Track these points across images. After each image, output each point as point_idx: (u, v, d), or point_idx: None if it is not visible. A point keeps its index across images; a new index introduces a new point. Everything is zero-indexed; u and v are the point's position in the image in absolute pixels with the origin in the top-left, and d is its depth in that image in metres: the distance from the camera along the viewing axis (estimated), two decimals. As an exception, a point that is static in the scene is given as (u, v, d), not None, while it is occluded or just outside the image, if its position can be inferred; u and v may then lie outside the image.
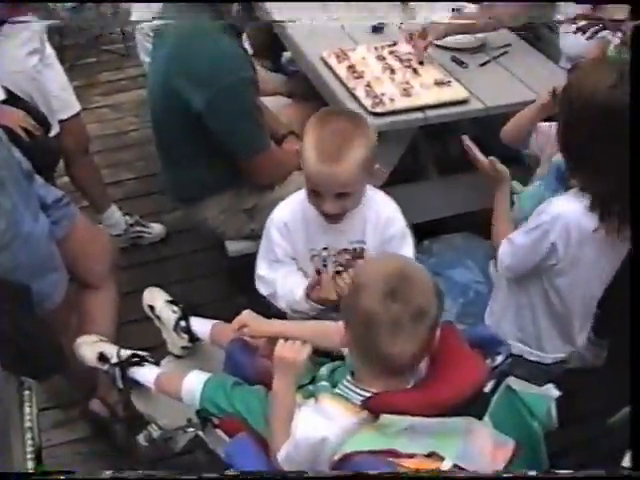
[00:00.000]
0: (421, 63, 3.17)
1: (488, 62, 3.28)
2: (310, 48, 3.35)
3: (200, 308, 2.69)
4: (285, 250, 2.35)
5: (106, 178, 3.94)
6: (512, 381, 1.88)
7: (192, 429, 2.35)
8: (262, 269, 2.39)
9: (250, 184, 2.81)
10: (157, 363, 2.52)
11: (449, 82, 3.03)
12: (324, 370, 2.01)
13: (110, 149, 4.52)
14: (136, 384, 2.47)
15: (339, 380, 1.86)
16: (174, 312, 2.57)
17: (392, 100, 2.88)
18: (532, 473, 1.73)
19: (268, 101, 3.12)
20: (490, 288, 3.02)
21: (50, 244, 2.44)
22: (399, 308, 1.61)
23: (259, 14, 3.79)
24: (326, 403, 1.78)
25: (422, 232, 3.18)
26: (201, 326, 2.54)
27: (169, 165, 2.96)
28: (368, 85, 2.97)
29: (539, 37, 3.90)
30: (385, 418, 1.62)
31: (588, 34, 2.78)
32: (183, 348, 2.57)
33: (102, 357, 2.51)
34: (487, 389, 1.83)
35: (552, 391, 1.93)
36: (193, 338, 2.55)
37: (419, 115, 2.89)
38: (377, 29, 3.51)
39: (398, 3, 3.65)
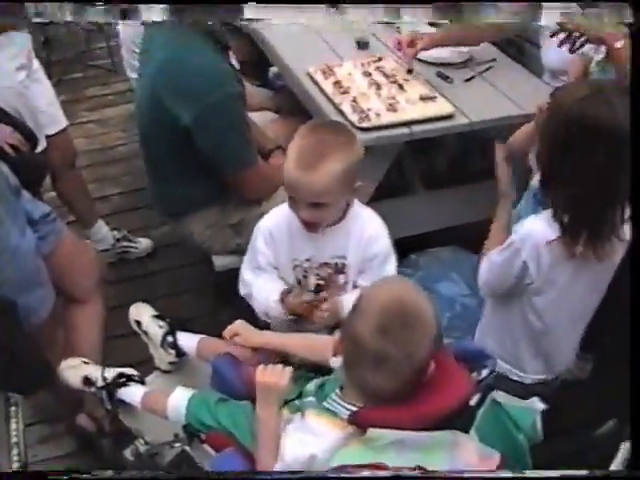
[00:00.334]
0: (409, 72, 3.20)
1: (473, 77, 3.30)
2: (296, 64, 3.36)
3: (187, 323, 2.69)
4: (268, 258, 2.38)
5: (93, 193, 3.95)
6: (497, 394, 1.88)
7: (179, 444, 2.35)
8: (246, 273, 2.44)
9: (237, 199, 2.82)
10: (143, 381, 2.52)
11: (434, 97, 3.04)
12: (311, 385, 2.02)
13: (97, 164, 4.53)
14: (123, 403, 2.47)
15: (328, 393, 1.86)
16: (161, 327, 2.58)
17: (378, 115, 2.90)
18: (531, 473, 1.74)
19: (255, 116, 3.14)
20: (478, 301, 3.04)
21: (37, 259, 2.44)
22: (388, 346, 1.61)
23: (245, 30, 3.83)
24: (312, 419, 1.78)
25: (408, 246, 3.21)
26: (188, 341, 2.54)
27: (156, 180, 2.96)
28: (354, 100, 2.98)
29: (522, 52, 3.94)
30: (372, 432, 1.63)
31: (569, 46, 2.80)
32: (170, 363, 2.57)
33: (87, 380, 2.50)
34: (473, 402, 1.84)
35: (537, 404, 1.93)
36: (180, 353, 2.55)
37: (405, 130, 2.90)
38: (362, 45, 3.54)
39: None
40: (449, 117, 2.97)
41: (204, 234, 2.89)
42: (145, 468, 2.52)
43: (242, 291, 2.47)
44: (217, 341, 2.33)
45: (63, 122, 3.49)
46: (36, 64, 3.38)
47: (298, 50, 3.51)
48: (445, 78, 3.26)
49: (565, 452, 2.03)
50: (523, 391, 2.35)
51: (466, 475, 1.65)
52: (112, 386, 2.45)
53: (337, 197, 2.19)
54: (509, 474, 1.69)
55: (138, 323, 2.65)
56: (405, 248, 3.10)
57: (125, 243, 3.81)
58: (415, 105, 2.99)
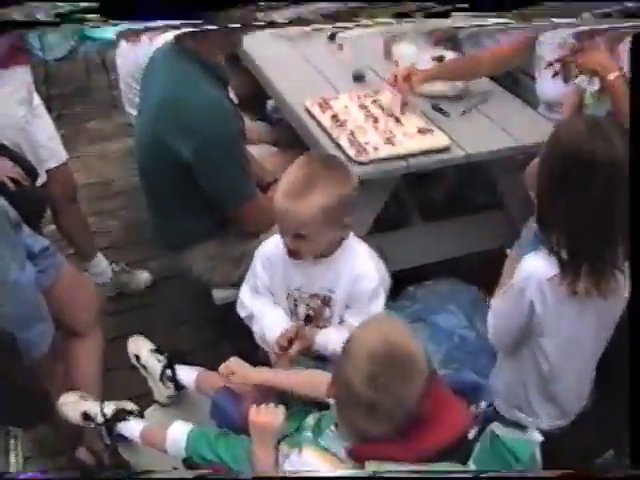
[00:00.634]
0: (405, 105, 3.22)
1: (469, 110, 3.33)
2: (293, 97, 3.40)
3: (186, 356, 2.70)
4: (264, 283, 2.43)
5: (92, 226, 3.95)
6: (496, 426, 1.88)
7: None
8: (244, 294, 2.50)
9: (237, 232, 2.83)
10: (142, 414, 2.52)
11: (431, 130, 3.07)
12: (310, 419, 2.02)
13: (96, 197, 4.54)
14: (123, 438, 2.47)
15: (324, 428, 1.87)
16: (159, 361, 2.59)
17: (376, 149, 2.92)
18: (530, 474, 1.74)
19: (253, 149, 3.16)
20: (476, 333, 3.04)
21: (36, 293, 2.45)
22: (378, 395, 1.63)
23: (246, 64, 3.87)
24: (309, 456, 1.79)
25: (406, 278, 3.22)
26: (187, 374, 2.55)
27: (157, 213, 2.98)
28: (352, 134, 3.00)
29: (517, 82, 3.98)
30: (371, 465, 1.63)
31: (563, 76, 2.83)
32: (169, 397, 2.58)
33: (86, 416, 2.51)
34: (471, 435, 1.84)
35: (535, 436, 1.93)
36: (179, 387, 2.56)
37: (402, 163, 2.93)
38: (359, 78, 3.57)
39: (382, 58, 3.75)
40: (446, 150, 2.99)
41: (204, 267, 2.90)
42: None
43: (241, 313, 2.50)
44: (216, 375, 2.33)
45: (63, 156, 3.51)
46: (37, 99, 3.41)
47: (295, 83, 3.54)
48: (441, 111, 3.29)
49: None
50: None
51: (467, 475, 1.65)
52: (111, 422, 2.46)
53: (321, 230, 2.19)
54: (509, 474, 1.70)
55: (137, 357, 2.66)
56: (402, 280, 3.11)
57: (124, 276, 3.81)
58: (412, 138, 3.01)
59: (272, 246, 2.40)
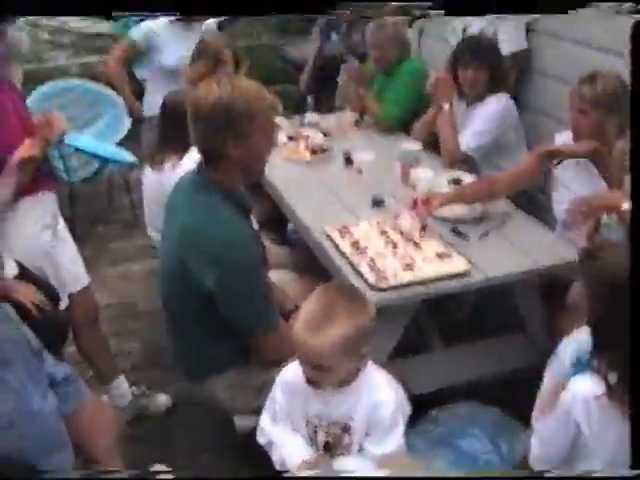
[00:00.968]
0: (423, 229, 3.27)
1: (488, 233, 3.37)
2: (313, 222, 3.46)
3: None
4: (284, 410, 2.44)
5: (113, 347, 3.95)
6: None
7: None
8: (264, 421, 2.51)
9: (258, 360, 2.83)
10: None
11: (450, 255, 3.10)
12: None
13: (118, 318, 4.56)
14: None
15: None
16: None
17: (395, 275, 2.95)
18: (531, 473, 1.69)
19: (274, 274, 3.17)
20: (500, 457, 2.99)
21: (58, 422, 2.44)
22: None
23: (266, 189, 3.95)
24: None
25: (428, 402, 3.19)
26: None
27: (177, 338, 2.98)
28: (372, 260, 3.04)
29: (534, 202, 4.05)
30: None
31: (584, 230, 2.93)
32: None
33: None
34: None
35: None
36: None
37: (422, 289, 2.95)
38: (378, 203, 3.63)
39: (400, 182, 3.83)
40: (465, 274, 3.02)
41: (225, 395, 2.88)
42: None
43: (261, 440, 2.51)
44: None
45: (86, 279, 3.55)
46: (61, 223, 3.47)
47: (315, 208, 3.62)
48: (460, 234, 3.33)
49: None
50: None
51: (467, 475, 1.61)
52: None
53: (340, 361, 2.22)
54: (509, 474, 1.65)
55: (157, 486, 2.62)
56: (424, 403, 3.09)
57: (144, 399, 3.79)
58: (431, 263, 3.04)
59: (292, 373, 2.42)
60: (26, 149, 3.08)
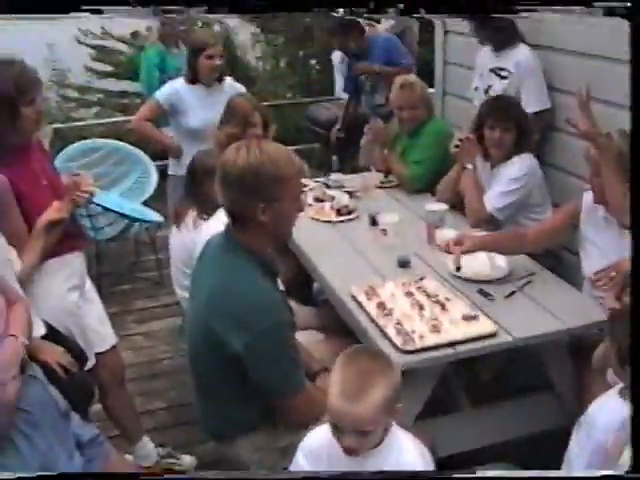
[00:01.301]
0: (458, 269, 3.37)
1: (513, 293, 3.36)
2: (339, 283, 3.48)
3: None
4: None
5: (138, 407, 3.96)
6: None
7: None
8: None
9: (285, 422, 2.82)
10: None
11: (477, 316, 3.10)
12: None
13: (143, 377, 4.57)
14: None
15: None
16: None
17: (422, 337, 2.95)
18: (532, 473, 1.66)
19: (300, 336, 3.18)
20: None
21: (83, 483, 2.45)
22: None
23: (292, 249, 3.96)
24: None
25: (455, 464, 3.15)
26: None
27: (203, 398, 2.98)
28: (398, 323, 3.04)
29: (560, 261, 4.04)
30: None
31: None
32: None
33: None
34: None
35: None
36: None
37: (449, 351, 2.95)
38: (404, 264, 3.64)
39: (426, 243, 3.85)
40: (492, 336, 3.01)
41: (251, 457, 2.86)
42: None
43: None
44: None
45: (113, 339, 3.57)
46: (88, 283, 3.51)
47: (341, 269, 3.64)
48: (486, 295, 3.33)
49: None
50: None
51: (468, 475, 1.59)
52: None
53: (382, 422, 2.24)
54: (509, 474, 1.64)
55: None
56: (452, 466, 3.05)
57: (169, 460, 3.77)
58: (458, 325, 3.04)
59: (315, 439, 2.41)
60: (54, 211, 3.13)
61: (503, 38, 4.46)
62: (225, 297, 2.65)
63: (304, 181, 3.62)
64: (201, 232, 3.47)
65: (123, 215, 5.35)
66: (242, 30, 10.48)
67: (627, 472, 2.05)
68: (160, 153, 5.70)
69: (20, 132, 3.07)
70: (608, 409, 2.30)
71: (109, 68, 10.69)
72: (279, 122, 4.49)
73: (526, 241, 3.60)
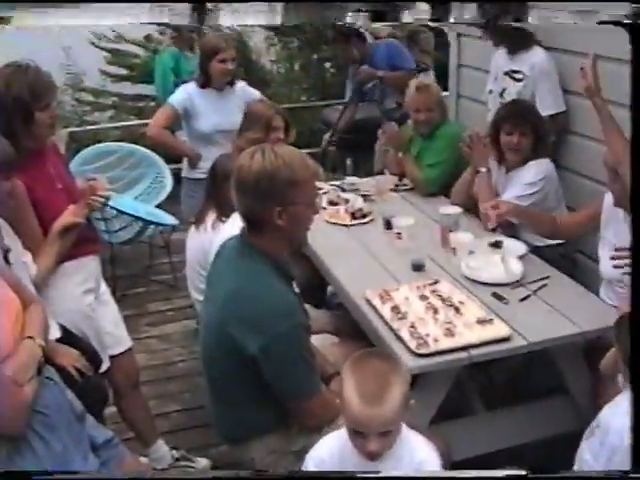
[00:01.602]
0: (493, 230, 3.56)
1: (528, 296, 3.35)
2: (353, 287, 3.48)
3: None
4: None
5: (153, 409, 3.96)
6: None
7: None
8: None
9: (299, 425, 2.82)
10: None
11: (491, 320, 3.09)
12: None
13: (157, 380, 4.58)
14: None
15: None
16: None
17: (436, 341, 2.95)
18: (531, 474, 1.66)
19: (314, 339, 3.18)
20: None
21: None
22: None
23: (307, 253, 3.97)
24: None
25: (469, 467, 3.14)
26: None
27: (217, 401, 2.98)
28: (412, 326, 3.04)
29: (575, 264, 4.03)
30: None
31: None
32: None
33: None
34: None
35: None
36: None
37: (463, 355, 2.94)
38: (418, 267, 3.64)
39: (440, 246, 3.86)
40: (506, 339, 3.01)
41: (265, 460, 2.86)
42: None
43: None
44: None
45: (128, 342, 3.58)
46: (103, 285, 3.52)
47: (355, 273, 3.64)
48: (500, 299, 3.32)
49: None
50: None
51: (468, 475, 1.59)
52: None
53: (401, 420, 2.27)
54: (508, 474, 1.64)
55: None
56: (466, 470, 3.05)
57: (184, 463, 3.78)
58: (472, 329, 3.03)
59: (325, 449, 2.42)
60: (69, 216, 3.15)
61: (518, 40, 4.44)
62: (241, 300, 2.66)
63: (319, 184, 3.62)
64: (219, 233, 3.48)
65: (138, 218, 5.37)
66: (256, 33, 10.49)
67: (627, 472, 2.04)
68: (174, 156, 5.71)
69: (35, 137, 3.09)
70: (621, 412, 2.29)
71: (124, 71, 10.73)
72: (294, 125, 4.48)
73: (556, 225, 3.72)
